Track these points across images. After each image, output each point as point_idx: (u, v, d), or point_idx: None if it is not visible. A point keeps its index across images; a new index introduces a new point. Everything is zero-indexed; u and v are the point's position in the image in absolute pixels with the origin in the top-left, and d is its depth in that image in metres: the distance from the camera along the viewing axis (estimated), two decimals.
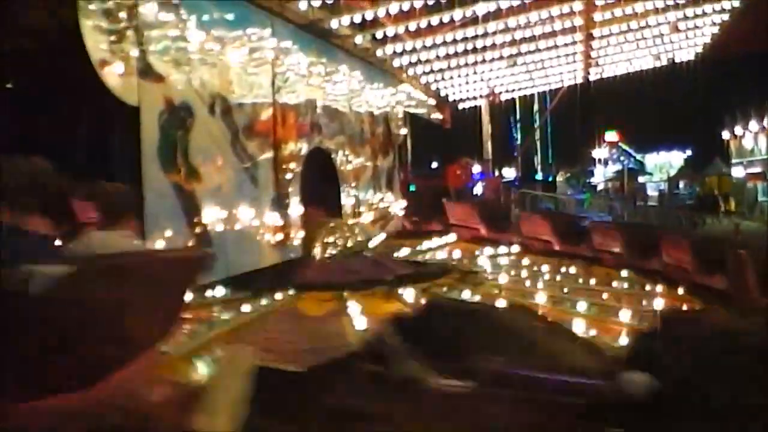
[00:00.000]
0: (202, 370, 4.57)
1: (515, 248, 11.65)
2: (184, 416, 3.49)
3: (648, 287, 7.98)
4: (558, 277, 8.92)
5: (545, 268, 9.57)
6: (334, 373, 4.36)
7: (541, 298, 7.19)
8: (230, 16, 7.70)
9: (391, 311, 6.36)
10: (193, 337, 5.24)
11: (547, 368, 4.09)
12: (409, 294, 7.09)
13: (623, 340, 5.30)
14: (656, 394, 3.40)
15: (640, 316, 6.21)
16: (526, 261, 10.43)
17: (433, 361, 4.39)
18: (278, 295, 7.03)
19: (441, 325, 5.37)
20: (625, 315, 6.22)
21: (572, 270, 9.33)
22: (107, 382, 3.79)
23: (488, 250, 11.46)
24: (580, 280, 8.63)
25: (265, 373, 3.80)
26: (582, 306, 6.71)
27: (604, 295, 7.59)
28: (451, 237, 13.10)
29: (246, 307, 6.40)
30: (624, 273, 8.92)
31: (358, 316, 6.00)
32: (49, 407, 2.93)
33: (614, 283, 8.43)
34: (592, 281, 8.50)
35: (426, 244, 12.06)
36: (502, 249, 11.65)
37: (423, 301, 6.65)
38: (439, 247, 12.22)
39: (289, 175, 8.98)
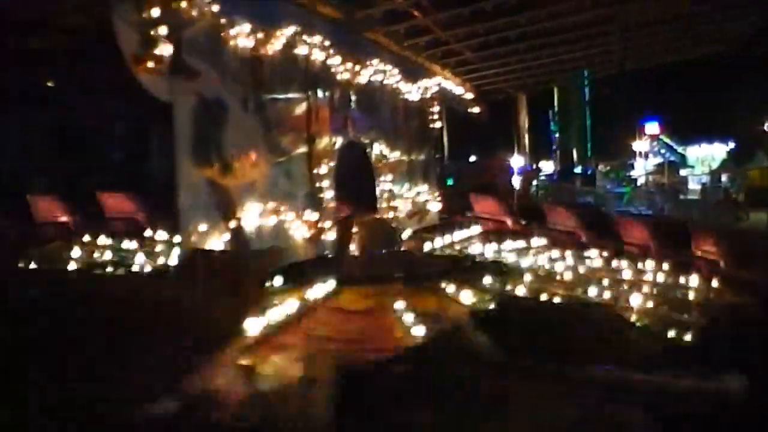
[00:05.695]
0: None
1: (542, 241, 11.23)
2: None
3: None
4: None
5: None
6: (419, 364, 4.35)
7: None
8: (264, 11, 7.69)
9: (435, 306, 6.27)
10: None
11: (636, 367, 4.02)
12: (451, 289, 6.92)
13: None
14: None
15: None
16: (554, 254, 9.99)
17: (512, 357, 4.34)
18: (320, 289, 6.84)
19: (518, 321, 5.32)
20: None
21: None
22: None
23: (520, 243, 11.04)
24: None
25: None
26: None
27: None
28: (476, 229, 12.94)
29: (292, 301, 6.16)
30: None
31: (402, 311, 5.89)
32: None
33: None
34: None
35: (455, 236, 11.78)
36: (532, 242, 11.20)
37: (468, 296, 6.52)
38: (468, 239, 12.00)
39: (323, 170, 8.96)
